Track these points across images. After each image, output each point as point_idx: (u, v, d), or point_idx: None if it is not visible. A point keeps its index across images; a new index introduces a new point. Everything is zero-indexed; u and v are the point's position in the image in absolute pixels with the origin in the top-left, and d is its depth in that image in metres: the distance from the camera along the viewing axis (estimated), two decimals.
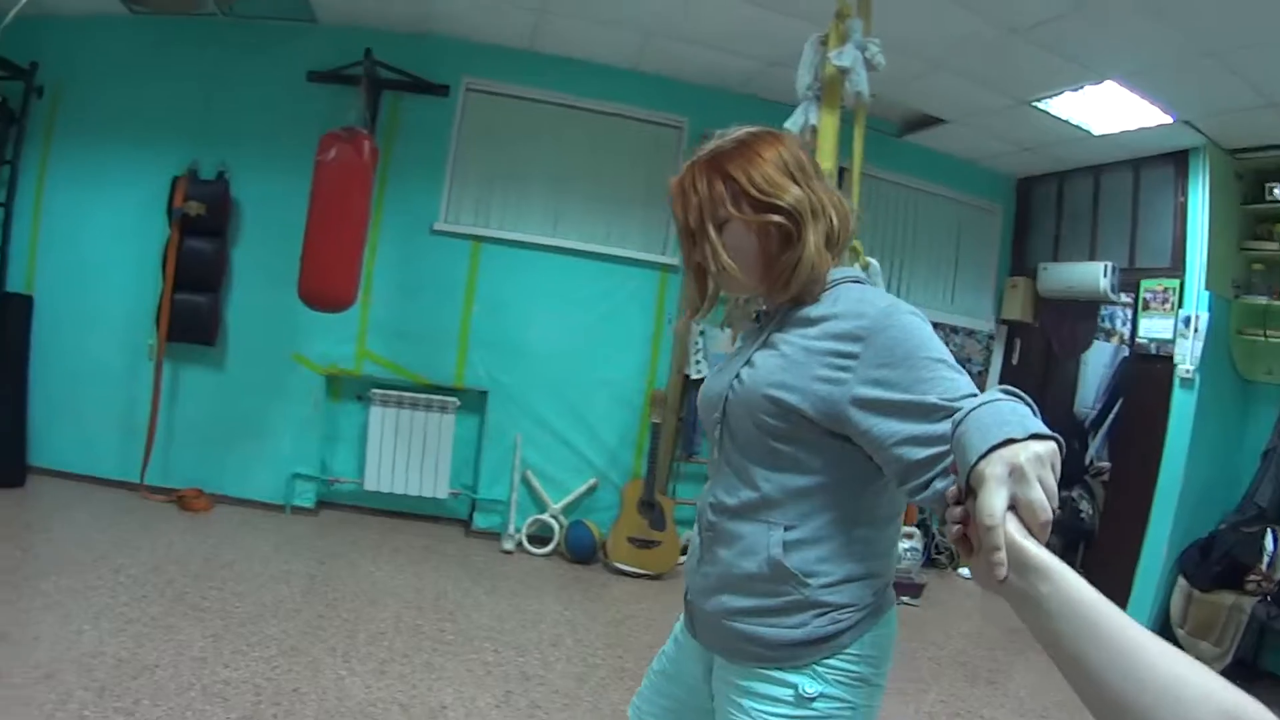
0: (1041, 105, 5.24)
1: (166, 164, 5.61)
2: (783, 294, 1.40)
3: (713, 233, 1.42)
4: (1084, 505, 6.64)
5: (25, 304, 5.66)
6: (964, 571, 6.13)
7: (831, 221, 1.41)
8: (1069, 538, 6.65)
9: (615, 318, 5.91)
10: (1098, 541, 6.18)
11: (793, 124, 2.51)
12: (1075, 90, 4.90)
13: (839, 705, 1.35)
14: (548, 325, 5.84)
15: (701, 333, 5.73)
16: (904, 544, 6.08)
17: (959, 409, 1.09)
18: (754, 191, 1.39)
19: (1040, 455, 0.92)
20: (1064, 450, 0.96)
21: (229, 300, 5.74)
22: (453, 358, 5.85)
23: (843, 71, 2.42)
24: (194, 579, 4.30)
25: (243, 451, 5.74)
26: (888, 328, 1.28)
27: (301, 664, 3.54)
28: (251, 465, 5.73)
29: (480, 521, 5.79)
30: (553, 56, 5.77)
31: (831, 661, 1.36)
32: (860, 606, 1.37)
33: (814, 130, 2.50)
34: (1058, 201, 6.43)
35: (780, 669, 1.38)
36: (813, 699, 1.34)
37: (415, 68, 5.61)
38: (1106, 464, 6.73)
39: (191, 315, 5.58)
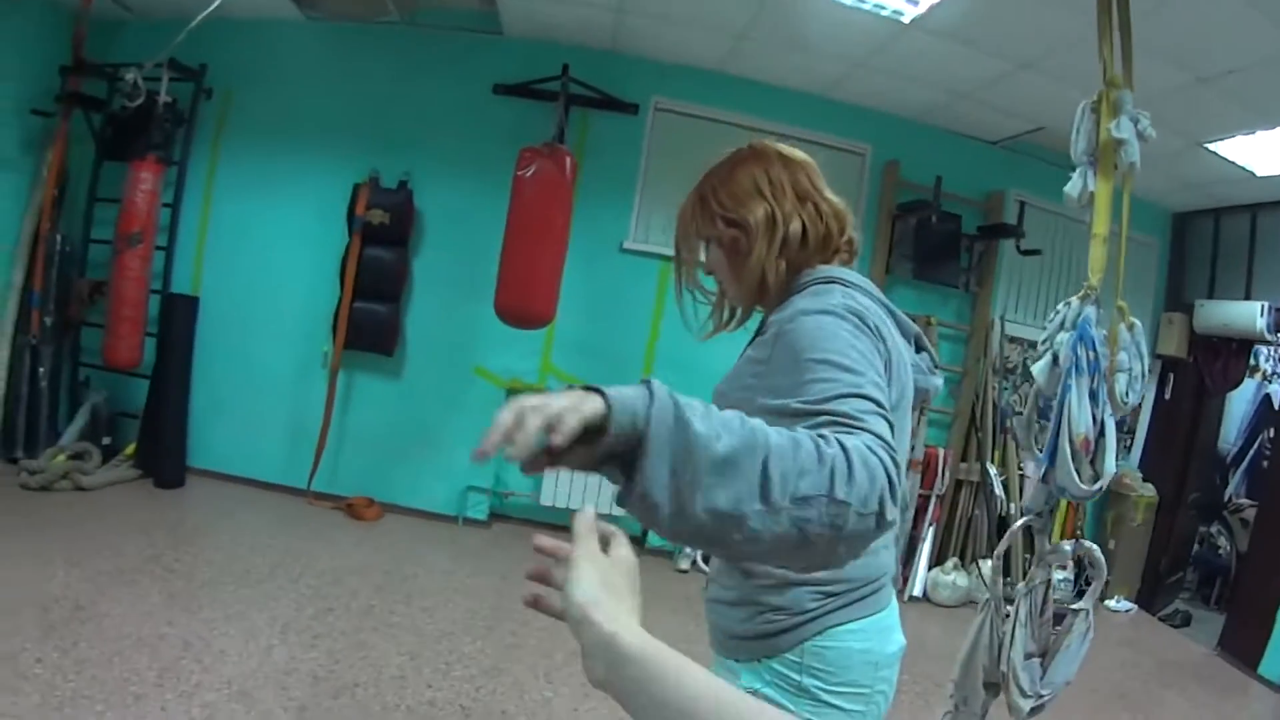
0: (1212, 147, 5.47)
1: (346, 171, 5.72)
2: (756, 302, 1.46)
3: (687, 252, 1.53)
4: (1222, 541, 7.00)
5: (191, 305, 5.77)
6: (1110, 603, 6.46)
7: (789, 230, 1.42)
8: (1205, 572, 7.03)
9: None
10: (1239, 579, 6.54)
11: (1072, 188, 2.73)
12: (1248, 134, 5.14)
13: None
14: (733, 347, 5.93)
15: None
16: (1059, 574, 6.39)
17: (820, 411, 1.05)
18: (719, 208, 1.47)
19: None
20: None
21: (409, 310, 5.83)
22: (638, 375, 5.89)
23: (1119, 143, 2.67)
24: (377, 591, 4.38)
25: (416, 462, 5.82)
26: (789, 331, 1.25)
27: (505, 684, 3.60)
28: (424, 476, 5.81)
29: (655, 539, 5.79)
30: (743, 79, 5.91)
31: (771, 663, 1.38)
32: (796, 612, 1.36)
33: (1091, 195, 2.74)
34: (1214, 238, 6.65)
35: (735, 660, 1.44)
36: (750, 695, 1.15)
37: (604, 85, 5.71)
38: (1245, 501, 7.13)
39: (370, 324, 5.66)
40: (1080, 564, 6.17)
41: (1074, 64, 4.72)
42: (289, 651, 3.55)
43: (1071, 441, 2.47)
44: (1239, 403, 7.43)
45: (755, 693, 1.36)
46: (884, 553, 1.44)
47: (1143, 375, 2.61)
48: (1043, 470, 2.59)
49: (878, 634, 1.43)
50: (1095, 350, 2.50)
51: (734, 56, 5.67)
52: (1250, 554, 6.32)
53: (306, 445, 5.75)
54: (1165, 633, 6.25)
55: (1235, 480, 7.22)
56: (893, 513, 0.97)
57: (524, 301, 5.14)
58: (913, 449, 6.11)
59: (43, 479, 5.09)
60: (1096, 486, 2.51)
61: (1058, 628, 2.69)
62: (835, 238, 1.48)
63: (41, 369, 5.68)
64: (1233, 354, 6.58)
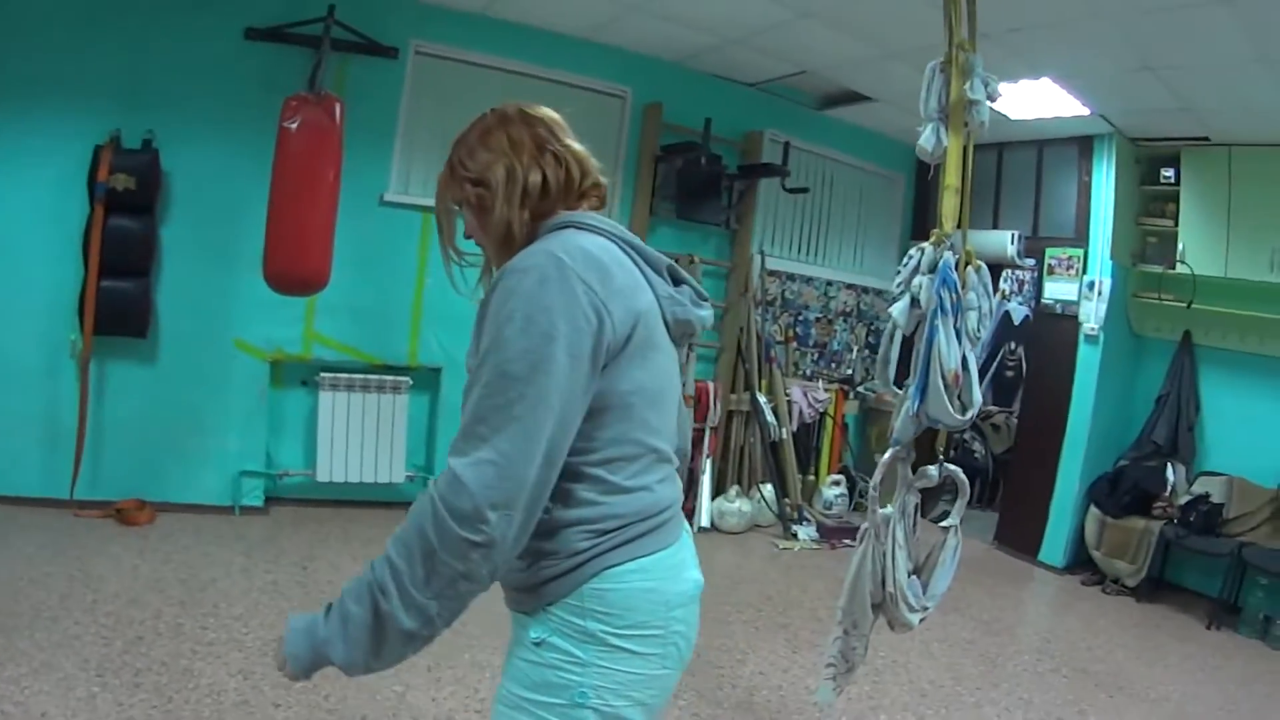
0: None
1: (84, 133, 5.17)
2: (509, 255, 1.45)
3: (445, 221, 1.65)
4: (976, 446, 7.91)
5: None
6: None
7: (528, 181, 1.50)
8: (967, 475, 7.90)
9: None
10: (1006, 478, 7.42)
11: (926, 142, 3.05)
12: (1012, 83, 5.57)
13: (564, 658, 1.38)
14: None
15: None
16: (832, 491, 7.04)
17: (461, 429, 1.31)
18: (464, 172, 1.54)
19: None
20: None
21: (160, 285, 5.44)
22: (405, 335, 5.88)
23: (972, 102, 3.05)
24: (181, 607, 4.08)
25: (184, 452, 5.51)
26: (493, 291, 1.35)
27: (353, 686, 3.46)
28: (193, 466, 5.51)
29: None
30: (506, 22, 5.88)
31: (554, 609, 1.40)
32: (569, 554, 1.38)
33: (945, 150, 3.09)
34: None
35: (524, 612, 1.46)
36: (540, 644, 1.39)
37: (361, 27, 5.47)
38: (994, 408, 8.09)
39: (120, 304, 5.24)
40: (853, 481, 6.86)
41: (855, 14, 5.09)
42: (114, 697, 3.24)
43: (944, 377, 2.73)
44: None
45: (543, 642, 1.39)
46: (659, 486, 1.47)
47: (990, 312, 2.93)
48: (915, 406, 2.82)
49: (664, 571, 1.44)
50: (956, 292, 2.78)
51: None
52: (1016, 456, 7.20)
53: (64, 450, 5.26)
54: (938, 535, 6.97)
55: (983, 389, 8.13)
56: (479, 528, 1.23)
57: (297, 265, 4.91)
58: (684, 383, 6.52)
59: None
60: (967, 416, 2.80)
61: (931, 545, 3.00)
62: (577, 183, 1.55)
63: None
64: None
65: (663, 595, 1.43)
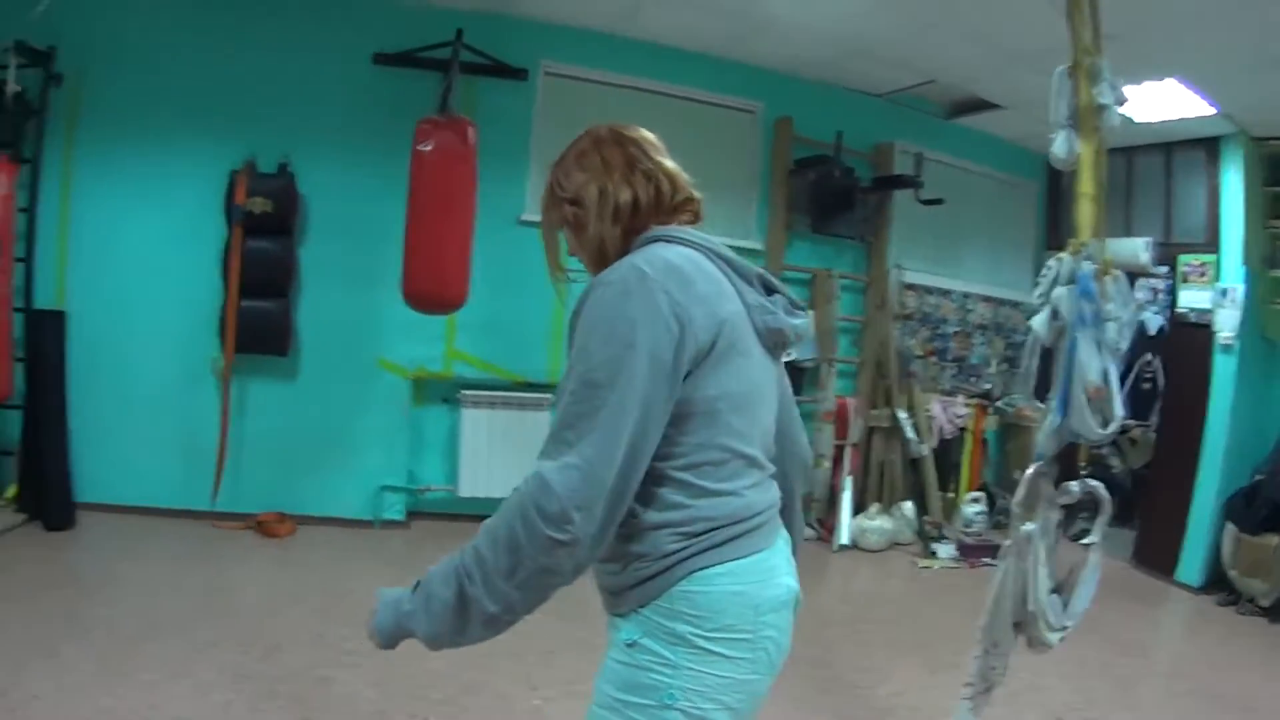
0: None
1: (220, 158, 5.39)
2: (598, 271, 1.51)
3: (550, 240, 1.72)
4: (1114, 461, 7.65)
5: (57, 322, 5.36)
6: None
7: (619, 199, 1.56)
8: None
9: None
10: (1143, 495, 7.13)
11: (1059, 149, 2.99)
12: (1136, 85, 5.31)
13: (656, 660, 1.41)
14: None
15: None
16: (971, 508, 6.86)
17: (550, 434, 1.36)
18: (561, 193, 1.63)
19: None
20: None
21: (300, 305, 5.58)
22: (545, 352, 5.92)
23: (1101, 108, 2.98)
24: (320, 617, 4.10)
25: (324, 467, 5.62)
26: (581, 304, 1.42)
27: (489, 699, 3.46)
28: (334, 481, 5.62)
29: None
30: (634, 41, 5.93)
31: (646, 612, 1.43)
32: (658, 556, 1.41)
33: (1078, 157, 3.03)
34: None
35: (618, 615, 1.51)
36: (633, 645, 1.43)
37: (490, 49, 5.57)
38: (1131, 422, 7.79)
39: (260, 323, 5.39)
40: (992, 498, 6.68)
41: (979, 21, 5.03)
42: (249, 704, 3.27)
43: (1085, 390, 2.66)
44: None
45: (635, 644, 1.43)
46: (749, 492, 1.49)
47: (1130, 322, 2.83)
48: (1058, 421, 2.75)
49: (755, 576, 1.46)
50: (1096, 303, 2.70)
51: (626, 17, 5.68)
52: (1154, 471, 6.89)
53: (204, 463, 5.41)
54: (1078, 552, 6.79)
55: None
56: (564, 528, 1.29)
57: (436, 285, 5.00)
58: (824, 400, 6.43)
59: None
60: (1109, 430, 2.71)
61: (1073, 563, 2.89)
62: (668, 199, 1.60)
63: None
64: None
65: (752, 599, 1.45)
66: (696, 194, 1.66)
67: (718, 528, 1.43)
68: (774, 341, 1.58)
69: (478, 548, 1.38)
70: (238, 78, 5.58)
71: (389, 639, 1.53)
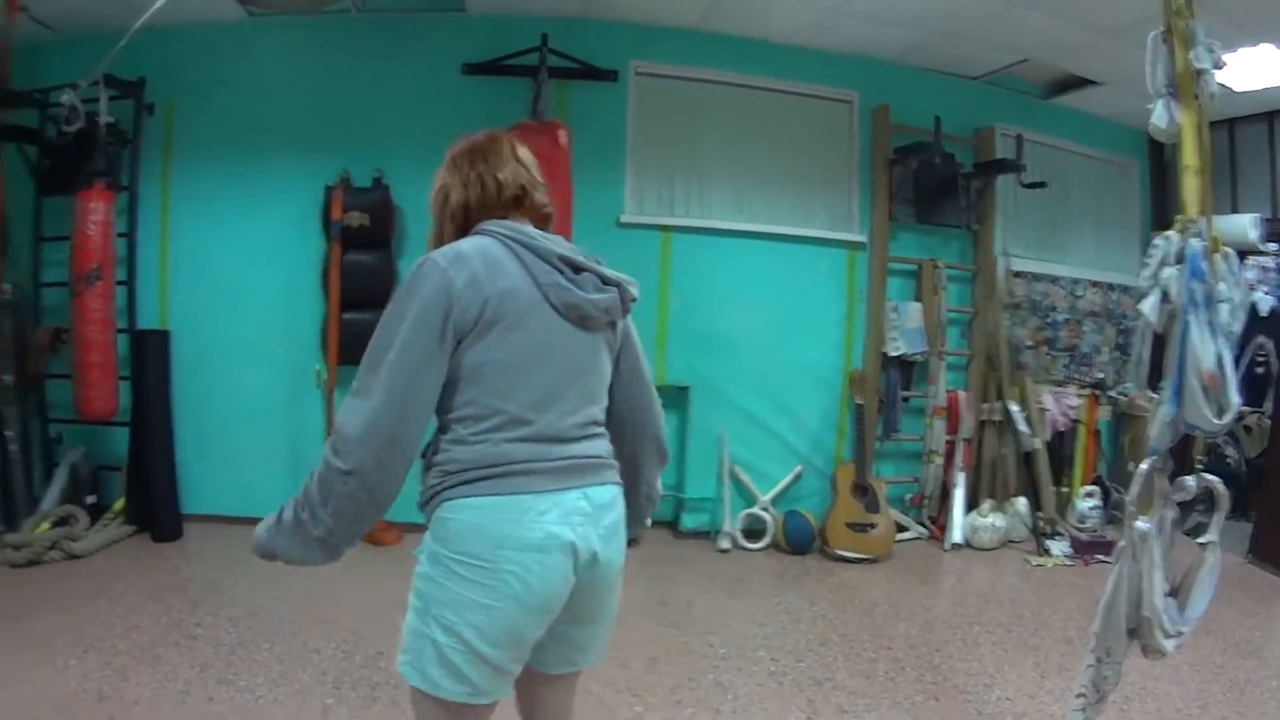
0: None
1: (314, 174, 5.50)
2: None
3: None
4: (1229, 451, 7.40)
5: (162, 341, 5.50)
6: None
7: (450, 200, 1.90)
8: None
9: (808, 299, 6.06)
10: (1260, 486, 6.94)
11: (1159, 119, 2.81)
12: (1229, 51, 5.45)
13: (424, 572, 1.75)
14: (743, 312, 5.93)
15: (895, 309, 6.03)
16: (1086, 503, 6.65)
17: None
18: (433, 187, 1.97)
19: None
20: None
21: None
22: (651, 355, 5.92)
23: (1199, 73, 2.81)
24: None
25: None
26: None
27: (590, 704, 3.35)
28: None
29: (688, 522, 5.82)
30: (723, 35, 5.87)
31: (426, 534, 1.77)
32: (428, 487, 1.76)
33: (1179, 128, 2.85)
34: None
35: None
36: (416, 558, 1.78)
37: (578, 53, 5.59)
38: (1246, 409, 7.53)
39: (363, 335, 5.28)
40: (1107, 492, 6.49)
41: None
42: (349, 710, 3.30)
43: (1199, 377, 2.50)
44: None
45: (417, 557, 1.77)
46: (507, 444, 1.73)
47: (1243, 303, 2.64)
48: (1172, 412, 2.59)
49: (499, 513, 1.69)
50: (1207, 283, 2.54)
51: (711, 12, 5.62)
52: (1271, 460, 6.61)
53: (307, 472, 5.50)
54: (1192, 547, 6.57)
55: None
56: (345, 458, 1.66)
57: None
58: (933, 395, 6.28)
59: (30, 553, 4.74)
60: (1225, 420, 2.54)
61: (1189, 563, 2.72)
62: (494, 199, 1.87)
63: (8, 432, 5.27)
64: None
65: (491, 533, 1.68)
66: (534, 193, 1.93)
67: (468, 469, 1.71)
68: (576, 315, 1.81)
69: (307, 483, 1.70)
70: (328, 95, 5.69)
71: (262, 552, 1.79)
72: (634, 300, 1.94)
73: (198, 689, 3.37)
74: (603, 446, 1.90)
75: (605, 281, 1.87)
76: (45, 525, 5.05)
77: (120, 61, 5.00)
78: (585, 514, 1.77)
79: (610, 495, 1.85)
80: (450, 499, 1.71)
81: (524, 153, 1.96)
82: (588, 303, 1.81)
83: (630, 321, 1.99)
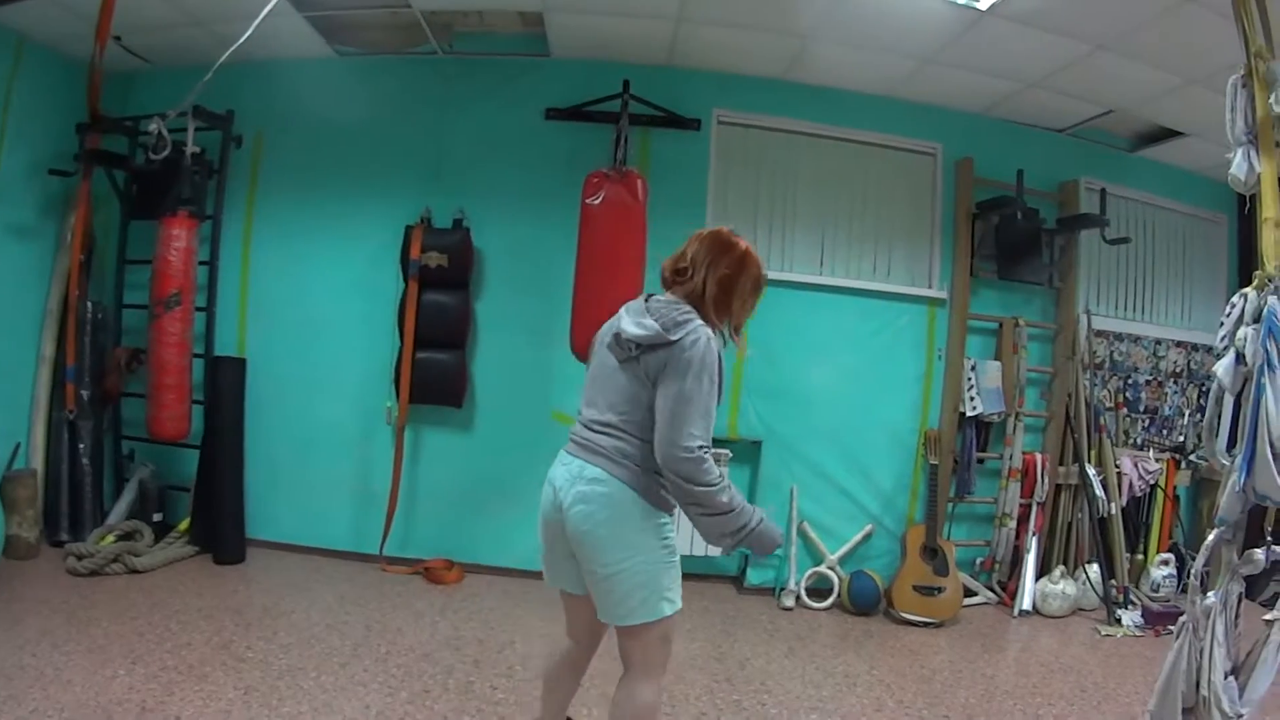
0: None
1: (395, 213, 5.58)
2: None
3: None
4: None
5: (238, 368, 5.58)
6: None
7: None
8: None
9: (887, 356, 5.97)
10: None
11: (1238, 169, 2.68)
12: None
13: None
14: (819, 367, 5.87)
15: (973, 367, 5.94)
16: (1160, 571, 6.50)
17: None
18: None
19: None
20: None
21: (475, 357, 5.67)
22: (725, 408, 5.79)
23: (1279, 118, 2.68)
24: (475, 666, 4.13)
25: (496, 517, 5.64)
26: None
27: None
28: (505, 531, 5.61)
29: (754, 578, 5.76)
30: (806, 85, 5.84)
31: None
32: None
33: (1258, 177, 2.72)
34: None
35: None
36: None
37: (661, 101, 5.61)
38: None
39: (436, 374, 5.49)
40: (1183, 560, 6.33)
41: (1151, 42, 4.82)
42: None
43: (1273, 444, 2.44)
44: None
45: None
46: (577, 425, 2.68)
47: None
48: (1242, 480, 2.53)
49: (555, 462, 2.69)
50: None
51: (796, 61, 5.60)
52: None
53: (375, 508, 5.59)
54: (1257, 624, 6.36)
55: None
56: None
57: None
58: (1010, 456, 6.16)
59: (92, 563, 4.89)
60: None
61: (1252, 642, 2.65)
62: (669, 279, 2.67)
63: (82, 445, 5.48)
64: None
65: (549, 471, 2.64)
66: (674, 274, 2.65)
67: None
68: (617, 344, 2.52)
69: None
70: (412, 135, 5.78)
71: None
72: (650, 340, 2.42)
73: (239, 710, 3.42)
74: (607, 441, 2.48)
75: (648, 317, 2.46)
76: (110, 538, 5.21)
77: (211, 93, 5.09)
78: (572, 474, 2.50)
79: (594, 473, 2.46)
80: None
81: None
82: (614, 337, 2.54)
83: (678, 361, 2.38)
